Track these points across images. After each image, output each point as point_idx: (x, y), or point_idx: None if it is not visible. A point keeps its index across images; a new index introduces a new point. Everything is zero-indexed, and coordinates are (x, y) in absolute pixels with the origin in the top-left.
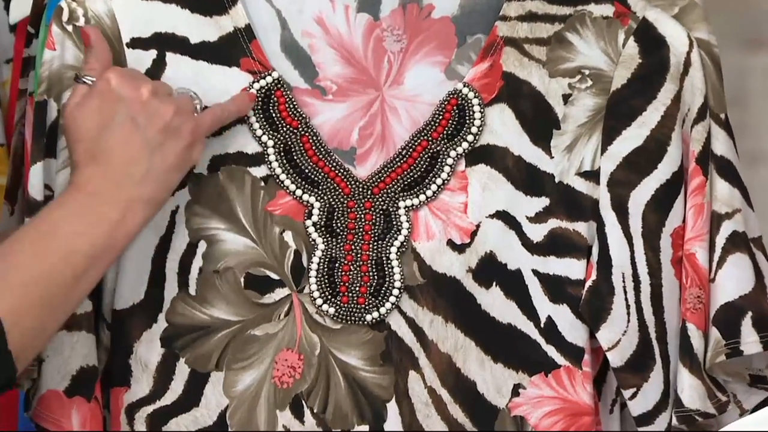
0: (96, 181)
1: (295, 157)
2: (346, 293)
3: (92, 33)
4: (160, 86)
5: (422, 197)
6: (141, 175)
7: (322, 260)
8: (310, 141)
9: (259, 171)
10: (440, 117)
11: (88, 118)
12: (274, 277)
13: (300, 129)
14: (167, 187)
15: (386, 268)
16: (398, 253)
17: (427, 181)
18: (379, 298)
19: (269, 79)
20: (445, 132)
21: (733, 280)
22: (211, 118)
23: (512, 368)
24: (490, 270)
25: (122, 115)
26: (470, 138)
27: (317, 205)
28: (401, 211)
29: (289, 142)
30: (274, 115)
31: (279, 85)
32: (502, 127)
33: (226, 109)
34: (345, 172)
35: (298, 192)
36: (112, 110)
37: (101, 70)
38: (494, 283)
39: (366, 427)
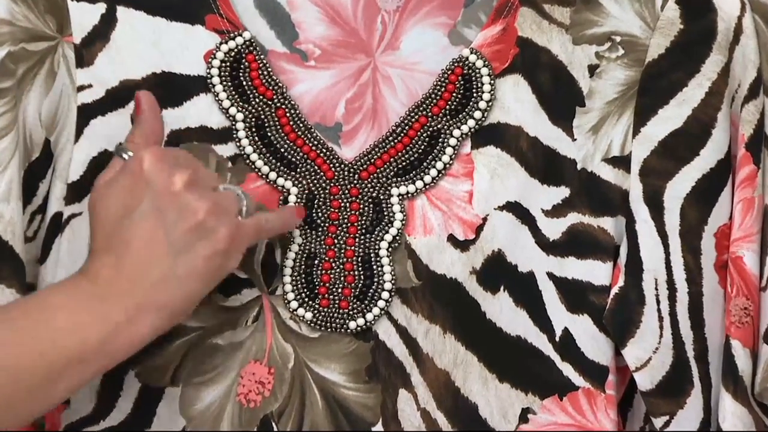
0: (106, 273)
1: (269, 134)
2: (326, 295)
3: (145, 100)
4: (201, 177)
5: (419, 184)
6: (158, 279)
7: (298, 256)
8: (287, 115)
9: (226, 149)
10: (442, 89)
11: (113, 200)
12: (241, 275)
13: (275, 100)
14: (188, 297)
15: (375, 267)
16: (389, 250)
17: (425, 165)
18: (366, 302)
19: (239, 40)
20: (447, 107)
21: None
22: (255, 226)
23: (521, 389)
24: (497, 272)
25: (148, 204)
26: (477, 115)
27: (294, 190)
28: (394, 200)
29: (262, 116)
30: (244, 83)
31: (251, 48)
32: (515, 103)
33: (270, 221)
34: (328, 153)
35: (272, 175)
36: (138, 197)
37: (143, 146)
38: (502, 288)
39: None
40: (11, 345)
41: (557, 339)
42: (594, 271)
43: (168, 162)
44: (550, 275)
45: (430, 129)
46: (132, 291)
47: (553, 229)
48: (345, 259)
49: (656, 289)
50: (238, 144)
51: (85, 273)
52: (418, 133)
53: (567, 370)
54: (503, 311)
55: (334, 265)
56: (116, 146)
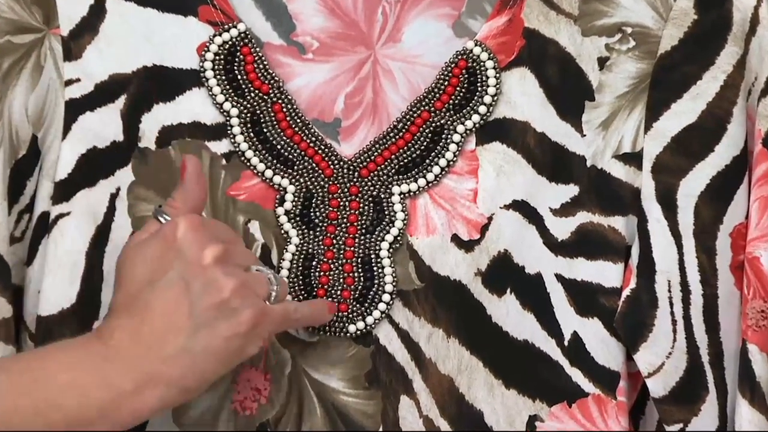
0: (120, 336)
1: (265, 130)
2: (324, 298)
3: (191, 166)
4: (235, 254)
5: (421, 182)
6: (174, 352)
7: (296, 257)
8: (284, 110)
9: (220, 146)
10: (446, 83)
11: (141, 262)
12: None
13: (271, 95)
14: (201, 375)
15: (375, 268)
16: (390, 250)
17: (427, 162)
18: (366, 304)
19: (234, 32)
20: (451, 102)
21: None
22: (282, 314)
23: (528, 396)
24: (503, 273)
25: (177, 274)
26: (482, 110)
27: (291, 189)
28: (395, 199)
29: (258, 111)
30: (239, 77)
31: (246, 40)
32: (522, 97)
33: (299, 311)
34: (326, 150)
35: (268, 173)
36: (167, 264)
37: (184, 212)
38: (508, 290)
39: None
40: (8, 398)
41: (566, 343)
42: (604, 273)
43: (203, 233)
44: (559, 277)
45: (433, 125)
46: (144, 360)
47: (562, 228)
48: (344, 260)
49: (669, 291)
50: (232, 140)
51: (98, 332)
52: (420, 129)
53: (576, 375)
54: (509, 314)
55: (332, 266)
56: (155, 209)
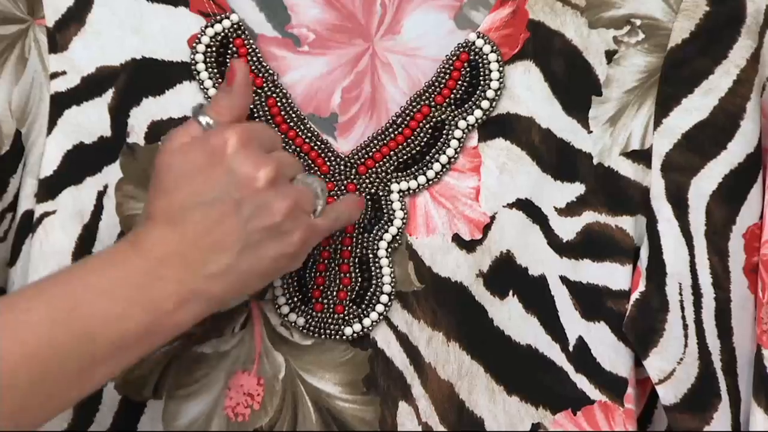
0: (162, 249)
1: None
2: (319, 299)
3: (240, 71)
4: (284, 168)
5: (422, 179)
6: (219, 270)
7: None
8: (279, 104)
9: None
10: (447, 76)
11: (185, 172)
12: None
13: (265, 89)
14: (242, 291)
15: (373, 269)
16: (389, 250)
17: (428, 158)
18: (363, 306)
19: (226, 23)
20: (452, 96)
21: None
22: (327, 228)
23: (531, 403)
24: (506, 275)
25: (227, 192)
26: (485, 104)
27: None
28: (394, 197)
29: (251, 106)
30: None
31: (239, 32)
32: (526, 92)
33: (340, 219)
34: (322, 146)
35: None
36: (215, 180)
37: (228, 120)
38: (511, 293)
39: None
40: (44, 330)
41: (571, 348)
42: (612, 275)
43: (253, 150)
44: (564, 279)
45: (434, 120)
46: (186, 277)
47: (567, 228)
48: (341, 260)
49: (680, 294)
50: None
51: (136, 244)
52: (420, 124)
53: (581, 382)
54: (512, 318)
55: (328, 266)
56: (195, 107)
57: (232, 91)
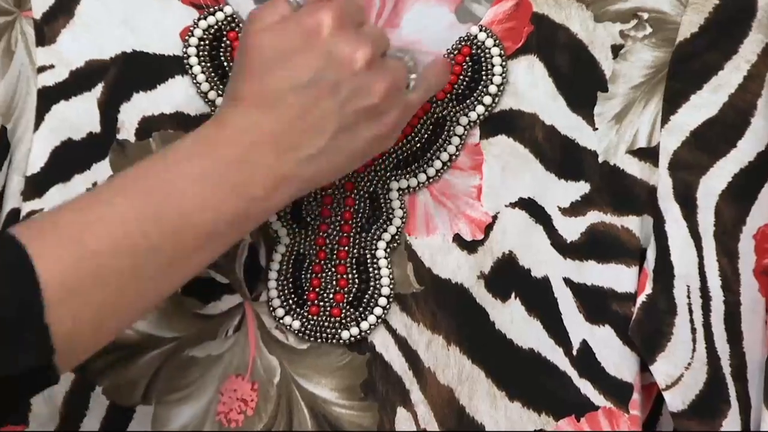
0: (256, 134)
1: None
2: (315, 302)
3: None
4: (378, 45)
5: (422, 177)
6: (313, 153)
7: (285, 258)
8: None
9: None
10: None
11: (277, 53)
12: (221, 279)
13: None
14: (335, 173)
15: (371, 270)
16: (387, 250)
17: (428, 156)
18: (361, 309)
19: (220, 15)
20: (453, 92)
21: None
22: (420, 102)
23: (533, 409)
24: (508, 277)
25: (324, 75)
26: (487, 100)
27: None
28: (393, 195)
29: None
30: (225, 64)
31: (233, 24)
32: (529, 88)
33: (431, 88)
34: None
35: None
36: (313, 63)
37: None
38: (513, 295)
39: None
40: (139, 218)
41: (574, 352)
42: (617, 277)
43: (349, 31)
44: (567, 281)
45: (434, 116)
46: (279, 163)
47: (571, 229)
48: (337, 261)
49: (688, 297)
50: None
51: (227, 129)
52: (421, 120)
53: (585, 387)
54: (514, 321)
55: (325, 267)
56: None
57: None
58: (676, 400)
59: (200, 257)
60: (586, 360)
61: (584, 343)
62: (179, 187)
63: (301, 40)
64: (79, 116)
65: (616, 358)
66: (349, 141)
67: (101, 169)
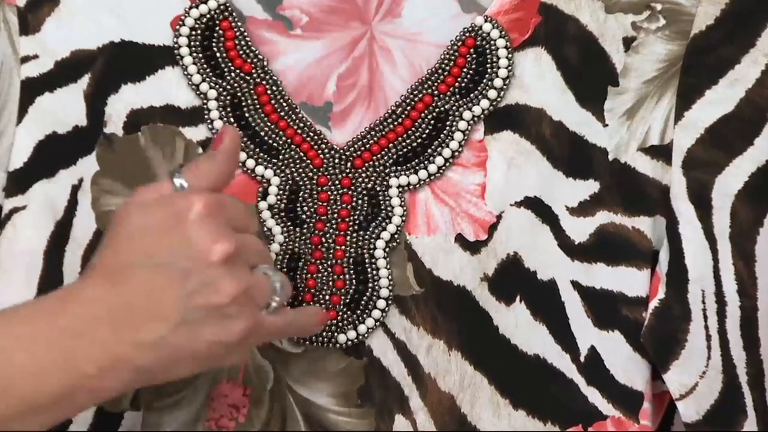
0: (94, 309)
1: (247, 115)
2: (311, 303)
3: (228, 139)
4: (246, 250)
5: (422, 174)
6: (150, 340)
7: (279, 257)
8: (268, 92)
9: (196, 132)
10: (451, 63)
11: (140, 227)
12: None
13: (254, 75)
14: (172, 371)
15: (369, 271)
16: (386, 250)
17: (430, 152)
18: (358, 311)
19: (212, 3)
20: (457, 85)
21: None
22: (277, 326)
23: (538, 417)
24: (513, 279)
25: (177, 260)
26: (492, 94)
27: (276, 181)
28: (392, 192)
29: (239, 93)
30: (218, 54)
31: (225, 13)
32: (536, 81)
33: (294, 325)
34: (315, 137)
35: (250, 163)
36: (170, 243)
37: (204, 186)
38: (518, 298)
39: None
40: None
41: (582, 359)
42: (628, 280)
43: (217, 222)
44: (575, 284)
45: (436, 110)
46: (115, 342)
47: (580, 229)
48: (334, 261)
49: (703, 302)
50: (210, 126)
51: (70, 299)
52: (422, 114)
53: (593, 395)
54: (519, 325)
55: (321, 267)
56: (174, 167)
57: (215, 156)
58: (691, 410)
59: (22, 427)
60: (594, 367)
61: (592, 349)
62: (9, 349)
63: (166, 220)
64: (64, 109)
65: (626, 365)
66: (190, 337)
67: (87, 164)
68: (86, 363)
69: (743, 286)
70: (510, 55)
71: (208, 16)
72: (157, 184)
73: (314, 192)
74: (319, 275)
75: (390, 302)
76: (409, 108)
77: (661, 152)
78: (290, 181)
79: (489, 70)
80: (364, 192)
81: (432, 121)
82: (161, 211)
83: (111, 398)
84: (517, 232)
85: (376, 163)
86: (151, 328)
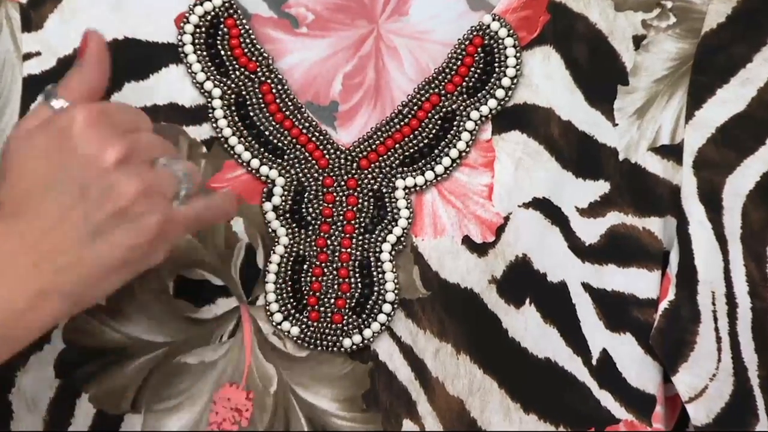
0: (8, 244)
1: (251, 114)
2: (316, 307)
3: (93, 41)
4: (139, 149)
5: (429, 175)
6: (68, 263)
7: (284, 260)
8: (273, 91)
9: (200, 131)
10: (458, 63)
11: (31, 156)
12: (216, 282)
13: (259, 74)
14: (99, 287)
15: (375, 274)
16: (392, 253)
17: (436, 152)
18: (364, 315)
19: (217, 1)
20: (464, 84)
21: None
22: (192, 218)
23: (550, 422)
24: (522, 281)
25: (70, 177)
26: (500, 94)
27: (280, 181)
28: (399, 194)
29: (243, 92)
30: (222, 52)
31: (230, 11)
32: (545, 80)
33: (211, 209)
34: (321, 137)
35: (254, 162)
36: (62, 163)
37: (80, 98)
38: (528, 301)
39: None
40: None
41: (594, 362)
42: (638, 282)
43: (102, 127)
44: (586, 286)
45: (444, 110)
46: (36, 272)
47: (590, 231)
48: (339, 264)
49: (713, 304)
50: (214, 125)
51: None
52: (429, 114)
53: (606, 399)
54: (529, 328)
55: (326, 270)
56: (45, 90)
57: (84, 66)
58: (700, 414)
59: None
60: (606, 370)
61: (604, 352)
62: None
63: (52, 141)
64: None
65: (638, 368)
66: (106, 249)
67: None
68: (14, 297)
69: (755, 287)
70: (518, 54)
71: (212, 13)
72: (35, 110)
73: (319, 193)
74: (325, 278)
75: (396, 306)
76: (415, 108)
77: (672, 152)
78: (295, 182)
79: (497, 70)
80: (370, 193)
81: (439, 121)
82: (45, 133)
83: (48, 329)
84: (525, 234)
85: (383, 164)
86: (66, 250)
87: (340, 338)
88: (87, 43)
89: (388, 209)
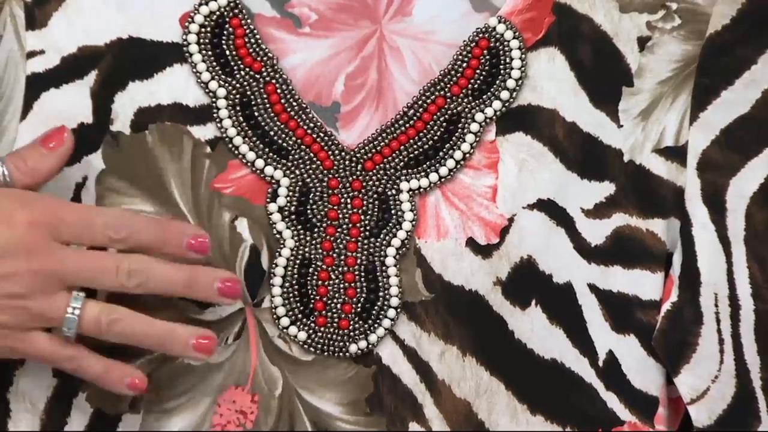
0: None
1: (256, 114)
2: (323, 312)
3: (70, 142)
4: (64, 270)
5: (433, 177)
6: None
7: (290, 262)
8: (279, 91)
9: (205, 131)
10: (464, 65)
11: None
12: None
13: (264, 74)
14: None
15: (380, 277)
16: (397, 257)
17: (441, 154)
18: (370, 321)
19: (222, 1)
20: (469, 86)
21: None
22: (48, 353)
23: (557, 423)
24: (527, 283)
25: None
26: (505, 95)
27: (285, 182)
28: (403, 196)
29: (248, 92)
30: (227, 52)
31: (235, 11)
32: (550, 82)
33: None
34: (326, 138)
35: (259, 163)
36: None
37: (26, 181)
38: (533, 302)
39: None
40: None
41: (600, 363)
42: (642, 283)
43: (43, 228)
44: (593, 287)
45: (448, 112)
46: None
47: (596, 232)
48: (345, 268)
49: (716, 305)
50: (219, 125)
51: None
52: (434, 116)
53: (611, 400)
54: (535, 330)
55: (332, 274)
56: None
57: (49, 156)
58: (702, 415)
59: None
60: (612, 371)
61: (610, 353)
62: None
63: None
64: (70, 105)
65: (641, 369)
66: None
67: (93, 162)
68: None
69: (757, 289)
70: (523, 56)
71: (217, 13)
72: None
73: (325, 195)
74: (331, 282)
75: (399, 311)
76: (421, 110)
77: (676, 154)
78: (300, 183)
79: (502, 71)
80: (375, 195)
81: (444, 123)
82: None
83: None
84: (530, 235)
85: (387, 166)
86: None
87: (347, 344)
88: (63, 138)
89: (393, 212)
